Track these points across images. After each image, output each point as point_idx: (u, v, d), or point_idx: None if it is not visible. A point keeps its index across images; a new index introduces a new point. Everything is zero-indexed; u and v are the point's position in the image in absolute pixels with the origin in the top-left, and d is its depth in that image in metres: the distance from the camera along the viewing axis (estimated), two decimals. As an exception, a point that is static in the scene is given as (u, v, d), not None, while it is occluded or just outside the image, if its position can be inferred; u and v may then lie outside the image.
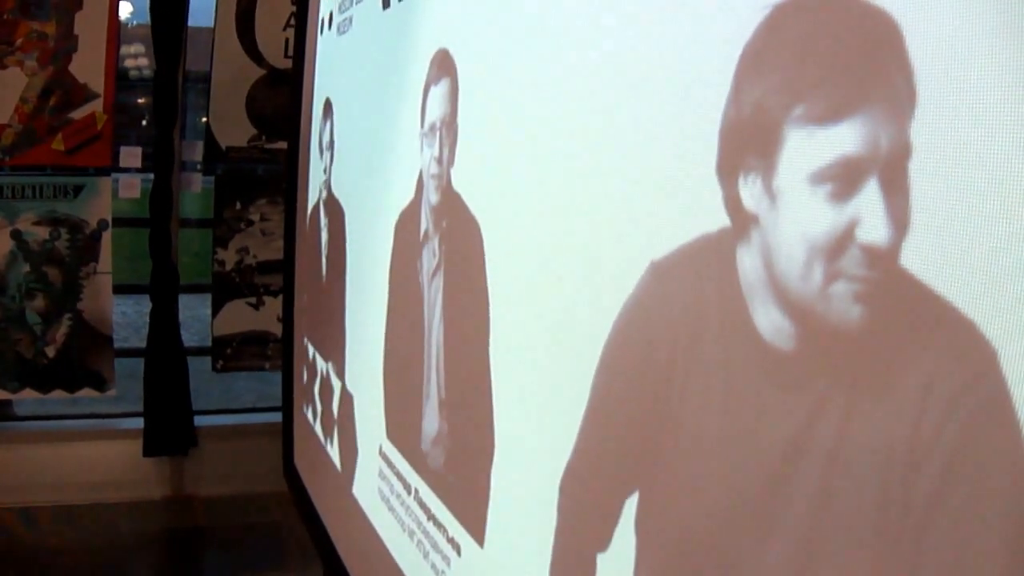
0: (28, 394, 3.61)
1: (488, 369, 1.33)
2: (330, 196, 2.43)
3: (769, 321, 0.77)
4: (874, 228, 0.66)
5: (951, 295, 0.60)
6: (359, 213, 2.17)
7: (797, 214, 0.73)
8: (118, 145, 3.63)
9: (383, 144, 1.92)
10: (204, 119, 3.82)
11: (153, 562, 3.45)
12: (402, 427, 1.78)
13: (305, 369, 2.76)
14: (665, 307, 0.91)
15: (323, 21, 2.58)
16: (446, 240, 1.53)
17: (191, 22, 3.67)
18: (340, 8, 2.36)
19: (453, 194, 1.48)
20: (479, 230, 1.37)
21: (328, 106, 2.49)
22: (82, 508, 3.60)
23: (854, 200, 0.68)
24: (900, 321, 0.65)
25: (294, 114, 2.92)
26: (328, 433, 2.43)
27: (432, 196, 1.59)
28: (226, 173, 3.82)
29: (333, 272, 2.39)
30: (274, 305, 3.80)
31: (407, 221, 1.74)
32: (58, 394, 3.63)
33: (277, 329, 3.70)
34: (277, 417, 3.22)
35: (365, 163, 2.10)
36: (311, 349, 2.67)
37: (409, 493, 1.70)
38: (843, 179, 0.69)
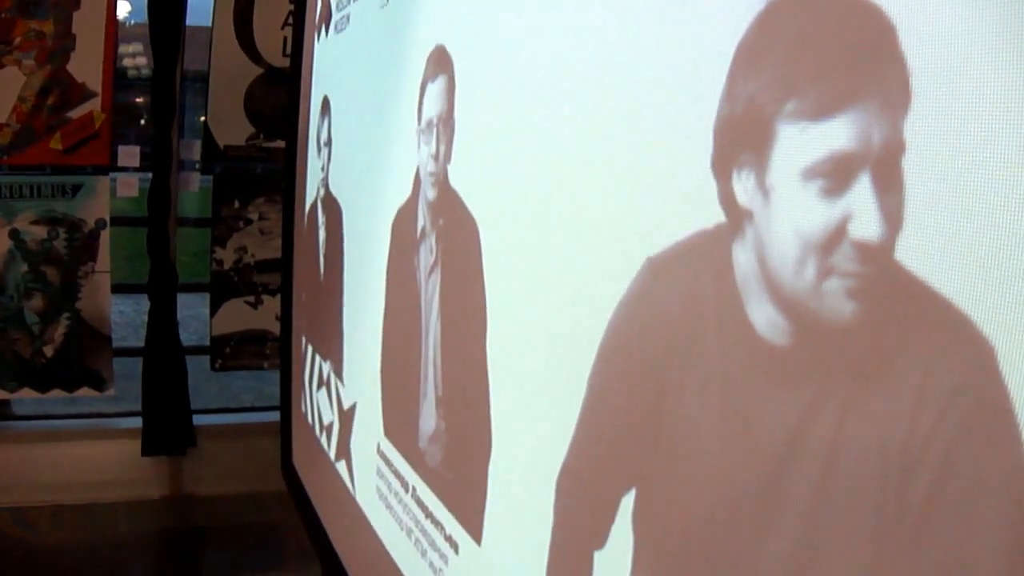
0: (26, 393, 3.61)
1: (485, 367, 1.33)
2: (328, 194, 2.43)
3: (764, 317, 0.77)
4: (866, 224, 0.66)
5: (948, 291, 0.60)
6: (356, 211, 2.16)
7: (790, 210, 0.73)
8: (116, 144, 3.63)
9: (380, 141, 1.92)
10: (202, 118, 3.83)
11: (152, 561, 3.45)
12: (399, 425, 1.77)
13: (303, 368, 2.76)
14: (661, 304, 0.91)
15: (320, 20, 2.58)
16: (443, 237, 1.53)
17: (189, 21, 3.68)
18: (338, 6, 2.36)
19: (450, 191, 1.48)
20: (476, 227, 1.37)
21: (326, 104, 2.48)
22: (80, 508, 3.60)
23: (846, 196, 0.68)
24: (896, 317, 0.64)
25: (292, 112, 2.91)
26: (326, 432, 2.43)
27: (429, 193, 1.59)
28: (224, 172, 3.82)
29: (331, 270, 2.39)
30: (272, 304, 3.80)
31: (404, 218, 1.74)
32: (56, 393, 3.64)
33: (275, 328, 3.70)
34: (275, 416, 3.22)
35: (362, 161, 2.10)
36: (309, 348, 2.67)
37: (407, 491, 1.70)
38: (835, 175, 0.68)
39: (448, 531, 1.48)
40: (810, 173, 0.71)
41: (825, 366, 0.71)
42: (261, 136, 3.79)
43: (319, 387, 2.53)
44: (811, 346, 0.73)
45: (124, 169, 3.71)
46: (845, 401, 0.69)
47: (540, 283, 1.17)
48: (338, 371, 2.29)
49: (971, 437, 0.59)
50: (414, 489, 1.65)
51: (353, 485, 2.14)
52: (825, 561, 0.71)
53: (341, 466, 2.26)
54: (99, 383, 3.67)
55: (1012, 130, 0.56)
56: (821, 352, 0.72)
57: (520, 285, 1.23)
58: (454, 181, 1.47)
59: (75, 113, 3.47)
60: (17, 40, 3.38)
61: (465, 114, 1.44)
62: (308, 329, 2.70)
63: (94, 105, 3.49)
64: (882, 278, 0.65)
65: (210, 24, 3.68)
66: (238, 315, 3.89)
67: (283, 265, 3.08)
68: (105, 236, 3.58)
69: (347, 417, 2.19)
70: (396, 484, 1.77)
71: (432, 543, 1.55)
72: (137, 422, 3.76)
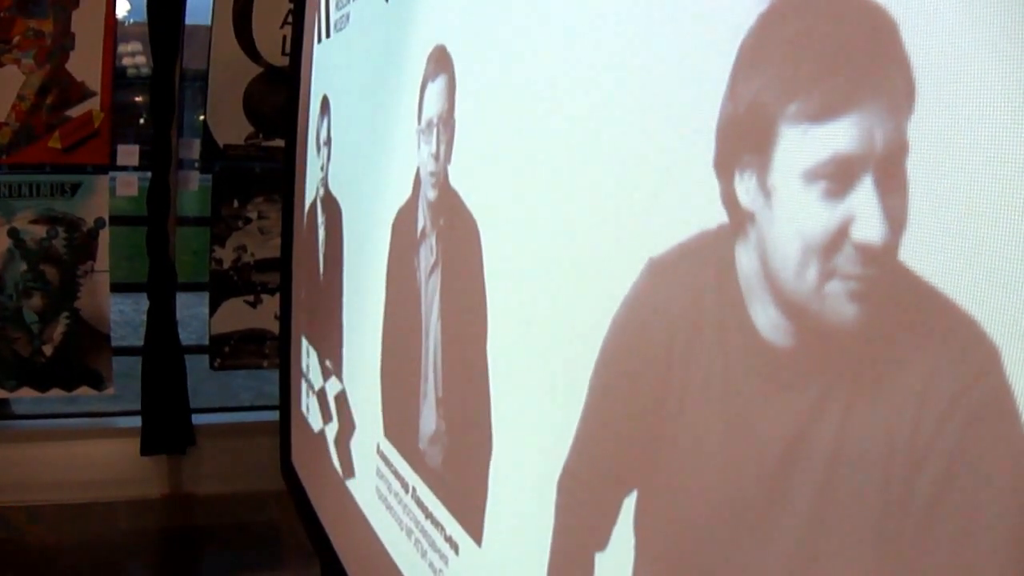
0: (26, 393, 3.60)
1: (486, 367, 1.33)
2: (327, 193, 2.43)
3: (767, 318, 0.77)
4: (869, 226, 0.66)
5: (953, 293, 0.60)
6: (356, 210, 2.16)
7: (791, 212, 0.73)
8: (115, 143, 3.63)
9: (380, 141, 1.92)
10: (201, 117, 3.82)
11: (151, 561, 3.45)
12: (400, 425, 1.77)
13: (303, 367, 2.76)
14: (664, 304, 0.91)
15: (320, 19, 2.58)
16: (443, 237, 1.53)
17: (188, 20, 3.67)
18: (337, 5, 2.36)
19: (450, 191, 1.47)
20: (476, 227, 1.37)
21: (325, 103, 2.48)
22: (80, 507, 3.60)
23: (848, 198, 0.67)
24: (900, 318, 0.64)
25: (291, 111, 2.91)
26: (325, 431, 2.43)
27: (429, 193, 1.59)
28: (223, 171, 3.82)
29: (330, 270, 2.38)
30: (272, 303, 3.80)
31: (404, 218, 1.74)
32: (56, 393, 3.63)
33: (275, 327, 3.70)
34: (275, 415, 3.22)
35: (362, 160, 2.10)
36: (309, 347, 2.67)
37: (407, 492, 1.69)
38: (837, 177, 0.68)
39: (448, 532, 1.48)
40: (812, 175, 0.70)
41: (828, 368, 0.71)
42: (260, 135, 3.78)
43: (318, 387, 2.53)
44: (814, 348, 0.72)
45: (123, 168, 3.70)
46: (848, 403, 0.68)
47: (541, 283, 1.17)
48: (338, 371, 2.29)
49: (975, 439, 0.58)
50: (414, 490, 1.65)
51: (353, 485, 2.13)
52: (827, 563, 0.71)
53: (341, 466, 2.26)
54: (98, 382, 3.66)
55: (1018, 128, 0.55)
56: (824, 354, 0.71)
57: (521, 285, 1.23)
58: (454, 181, 1.47)
59: (74, 112, 3.47)
60: (16, 39, 3.38)
61: (465, 114, 1.44)
62: (308, 328, 2.70)
63: (93, 104, 3.49)
64: (886, 279, 0.65)
65: (209, 23, 3.68)
66: (237, 314, 3.89)
67: (282, 264, 3.07)
68: (104, 235, 3.57)
69: (347, 417, 2.19)
70: (396, 484, 1.77)
71: (432, 544, 1.55)
72: (136, 421, 3.75)
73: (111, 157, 3.60)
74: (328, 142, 2.43)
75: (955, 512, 0.60)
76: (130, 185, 3.72)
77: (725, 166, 0.81)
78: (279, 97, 3.43)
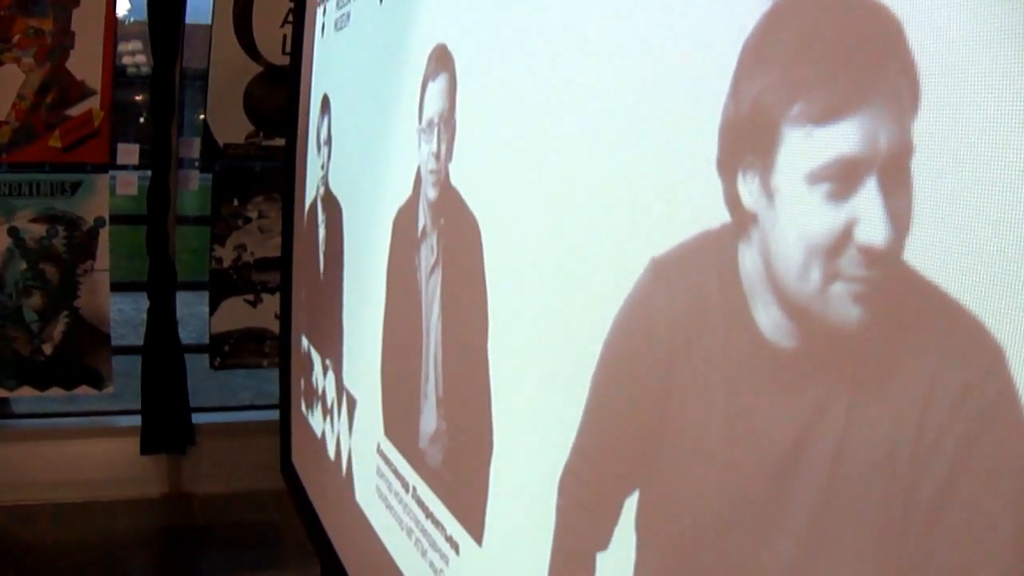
0: (25, 392, 3.60)
1: (487, 367, 1.32)
2: (327, 192, 2.42)
3: (770, 319, 0.77)
4: (872, 228, 0.65)
5: (957, 294, 0.60)
6: (357, 209, 2.16)
7: (795, 213, 0.73)
8: (115, 142, 3.63)
9: (381, 140, 1.92)
10: (202, 116, 3.82)
11: (151, 560, 3.45)
12: (400, 425, 1.77)
13: (303, 366, 2.76)
14: (666, 304, 0.91)
15: (320, 19, 2.57)
16: (444, 237, 1.53)
17: (188, 19, 3.67)
18: (338, 4, 2.36)
19: (451, 190, 1.47)
20: (477, 226, 1.37)
21: (326, 102, 2.48)
22: (79, 506, 3.60)
23: (852, 200, 0.67)
24: (904, 319, 0.64)
25: (292, 110, 2.91)
26: (325, 431, 2.43)
27: (430, 192, 1.58)
28: (224, 170, 3.82)
29: (331, 269, 2.38)
30: (272, 302, 3.79)
31: (405, 217, 1.74)
32: (55, 392, 3.63)
33: (275, 326, 3.70)
34: (275, 415, 3.22)
35: (363, 159, 2.09)
36: (309, 346, 2.67)
37: (407, 491, 1.69)
38: (841, 179, 0.68)
39: (449, 531, 1.48)
40: (815, 176, 0.70)
41: (831, 369, 0.71)
42: (261, 134, 3.78)
43: (318, 386, 2.53)
44: (817, 349, 0.72)
45: (123, 167, 3.70)
46: (851, 404, 0.68)
47: (542, 283, 1.16)
48: (338, 370, 2.29)
49: (980, 441, 0.58)
50: (414, 489, 1.65)
51: (353, 484, 2.13)
52: (830, 564, 0.71)
53: (341, 465, 2.25)
54: (98, 381, 3.66)
55: (1023, 129, 0.55)
56: (827, 355, 0.71)
57: (522, 285, 1.23)
58: (455, 180, 1.47)
59: (74, 111, 3.47)
60: (16, 38, 3.37)
61: (466, 113, 1.44)
62: (308, 328, 2.70)
63: (93, 103, 3.48)
64: (890, 280, 0.65)
65: (210, 22, 3.67)
66: (237, 313, 3.89)
67: (282, 263, 3.07)
68: (104, 234, 3.57)
69: (347, 416, 2.19)
70: (396, 484, 1.76)
71: (433, 543, 1.55)
72: (136, 420, 3.75)
73: (111, 156, 3.60)
74: (328, 141, 2.43)
75: (959, 514, 0.59)
76: (130, 184, 3.72)
77: (728, 167, 0.81)
78: (279, 96, 3.43)
